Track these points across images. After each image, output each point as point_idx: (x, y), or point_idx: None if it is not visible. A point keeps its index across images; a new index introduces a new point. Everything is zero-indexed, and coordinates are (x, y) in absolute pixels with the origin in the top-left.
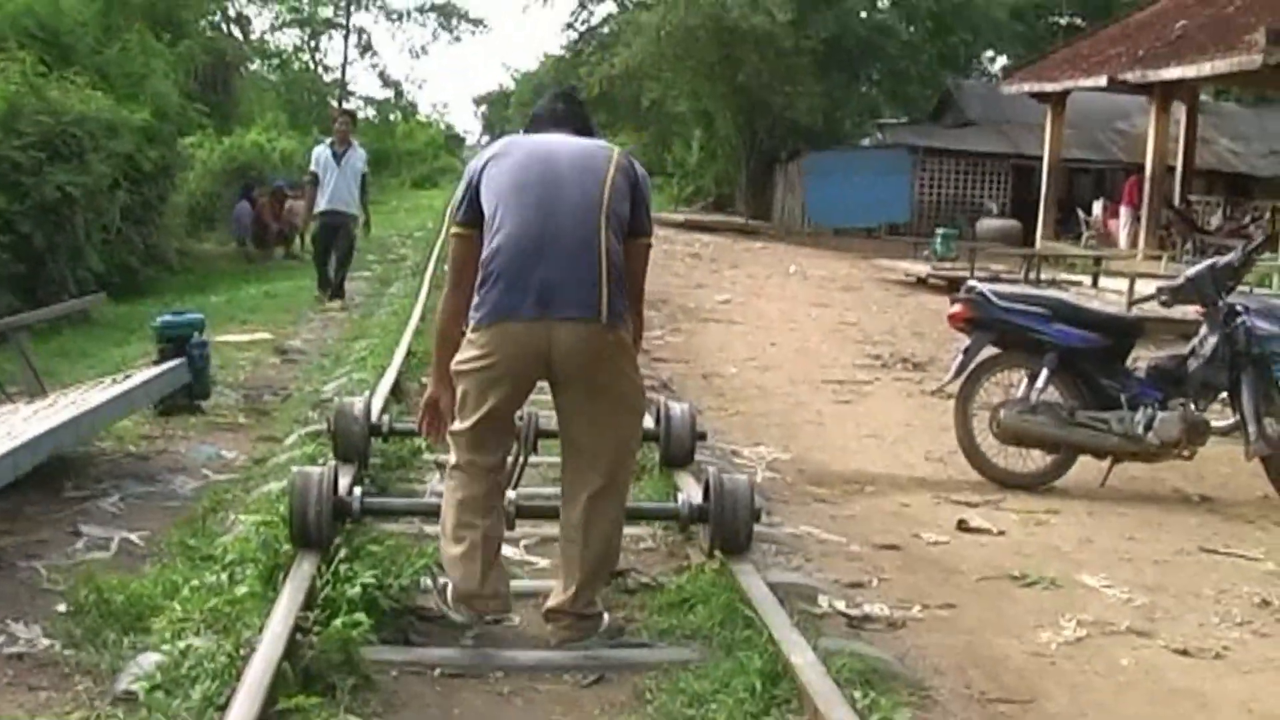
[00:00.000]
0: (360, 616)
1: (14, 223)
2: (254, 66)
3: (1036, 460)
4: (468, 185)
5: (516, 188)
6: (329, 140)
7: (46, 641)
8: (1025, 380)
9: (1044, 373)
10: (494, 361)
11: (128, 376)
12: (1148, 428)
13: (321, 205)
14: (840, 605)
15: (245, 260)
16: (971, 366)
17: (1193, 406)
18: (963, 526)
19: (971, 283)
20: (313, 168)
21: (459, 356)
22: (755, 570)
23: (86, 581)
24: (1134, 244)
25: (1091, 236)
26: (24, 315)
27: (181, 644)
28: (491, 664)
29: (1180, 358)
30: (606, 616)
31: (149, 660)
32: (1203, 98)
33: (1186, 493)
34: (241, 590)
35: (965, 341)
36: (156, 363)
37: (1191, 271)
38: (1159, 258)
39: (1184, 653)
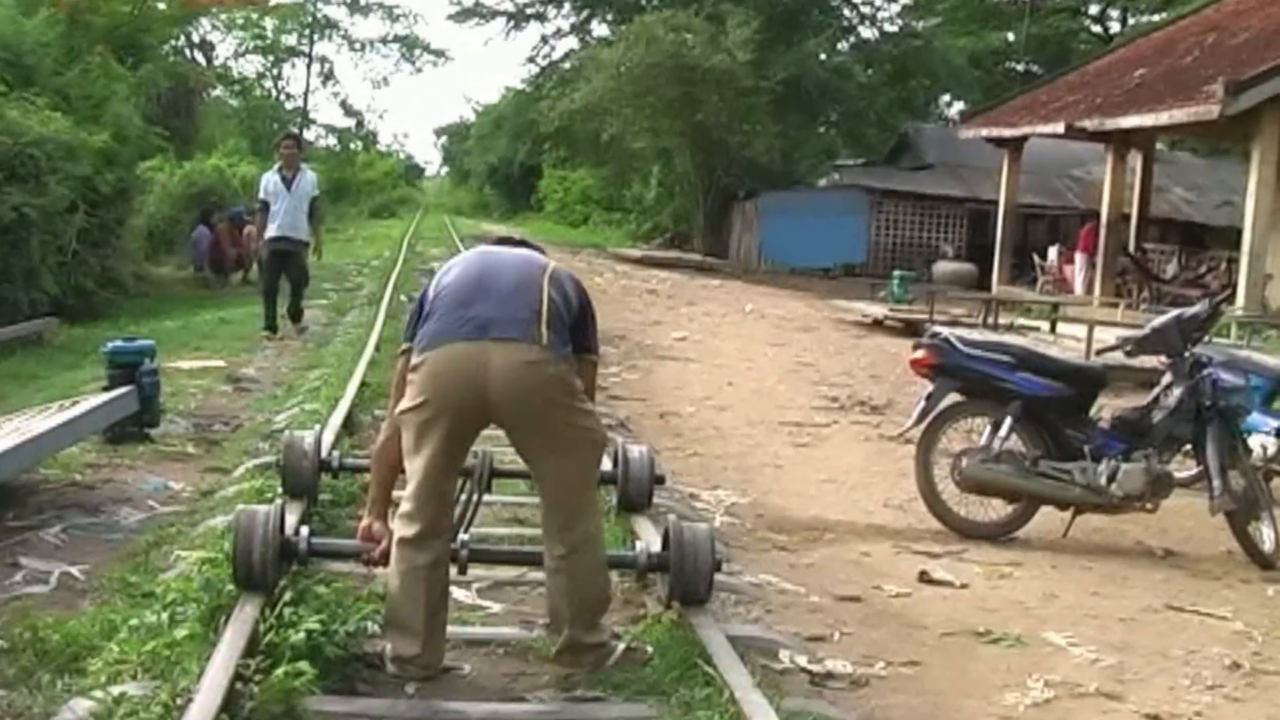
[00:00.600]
0: (304, 665)
1: None
2: (216, 92)
3: (998, 510)
4: (420, 303)
5: (460, 268)
6: (277, 165)
7: None
8: (988, 429)
9: (1007, 421)
10: (429, 396)
11: (75, 403)
12: (1111, 479)
13: (271, 232)
14: (802, 661)
15: (202, 286)
16: (934, 413)
17: (1157, 459)
18: (924, 578)
19: (936, 329)
20: (262, 195)
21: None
22: (714, 622)
23: (21, 619)
24: (1090, 290)
25: (1047, 282)
26: None
27: (116, 690)
28: (440, 717)
29: (1144, 409)
30: (620, 645)
31: (81, 707)
32: (1158, 147)
33: (1150, 546)
34: (181, 633)
35: (927, 387)
36: (106, 389)
37: (1158, 322)
38: (1115, 305)
39: (1155, 718)
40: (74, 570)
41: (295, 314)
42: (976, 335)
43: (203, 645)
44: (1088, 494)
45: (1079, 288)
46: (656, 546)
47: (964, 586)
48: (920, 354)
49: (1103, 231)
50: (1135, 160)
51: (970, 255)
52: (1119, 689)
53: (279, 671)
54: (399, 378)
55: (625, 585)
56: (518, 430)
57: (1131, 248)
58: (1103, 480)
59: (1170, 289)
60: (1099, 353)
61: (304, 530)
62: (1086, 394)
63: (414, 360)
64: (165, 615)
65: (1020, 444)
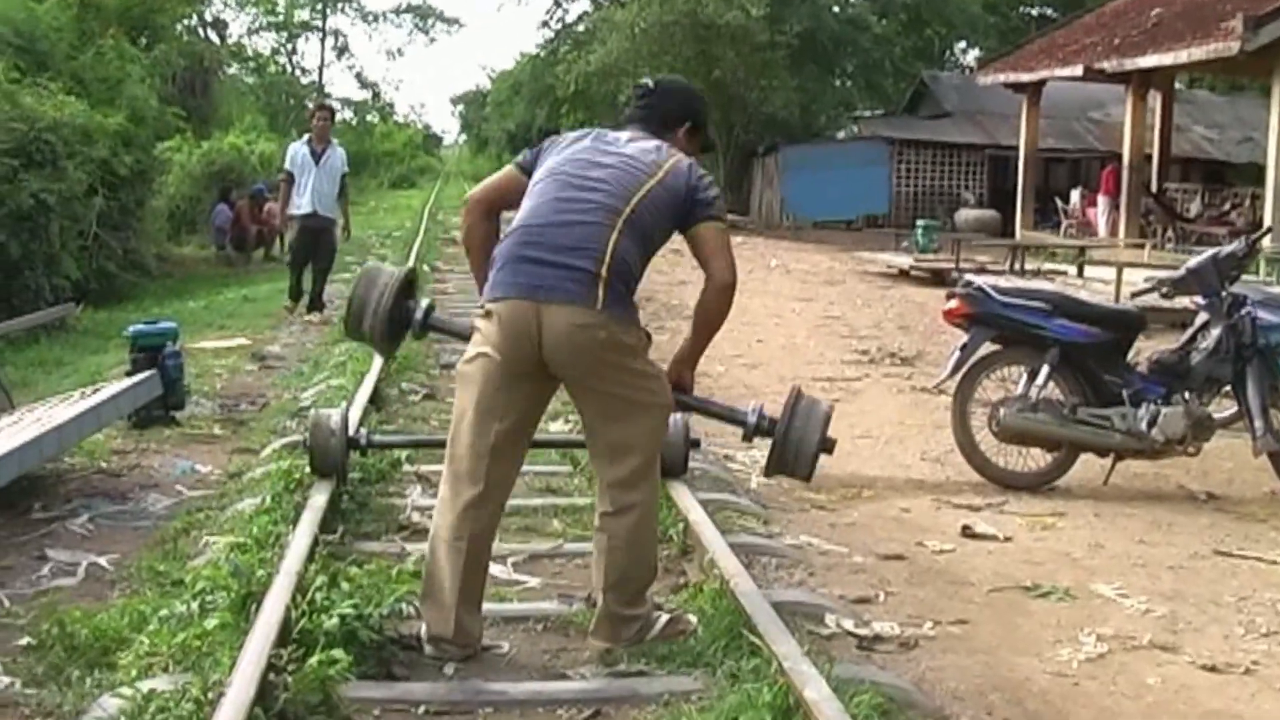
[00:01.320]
0: (338, 653)
1: None
2: (232, 70)
3: (1037, 459)
4: (537, 148)
5: (549, 177)
6: (306, 137)
7: (6, 679)
8: (1025, 377)
9: (1045, 369)
10: (488, 349)
11: (97, 390)
12: (1151, 424)
13: (300, 208)
14: (849, 625)
15: (225, 264)
16: (969, 364)
17: (1197, 401)
18: (967, 533)
19: (969, 277)
20: (288, 166)
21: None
22: (759, 590)
23: (49, 614)
24: (1113, 232)
25: (1070, 226)
26: None
27: (146, 686)
28: (480, 698)
29: (1182, 351)
30: (663, 617)
31: (111, 704)
32: (1177, 86)
33: (1193, 491)
34: (211, 623)
35: (961, 338)
36: (129, 373)
37: (1193, 262)
38: (1141, 246)
39: (1212, 669)
40: (102, 560)
41: (316, 299)
42: (1010, 283)
43: (234, 634)
44: (1128, 440)
45: (1103, 230)
46: None
47: (1008, 540)
48: (954, 304)
49: (1125, 173)
50: (1155, 100)
51: (992, 202)
52: (1173, 640)
53: (313, 660)
54: (498, 179)
55: (666, 554)
56: (573, 391)
57: (1154, 188)
58: (1143, 425)
59: (1195, 228)
60: (1134, 295)
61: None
62: (1124, 338)
63: (482, 314)
64: (195, 604)
65: (1058, 391)
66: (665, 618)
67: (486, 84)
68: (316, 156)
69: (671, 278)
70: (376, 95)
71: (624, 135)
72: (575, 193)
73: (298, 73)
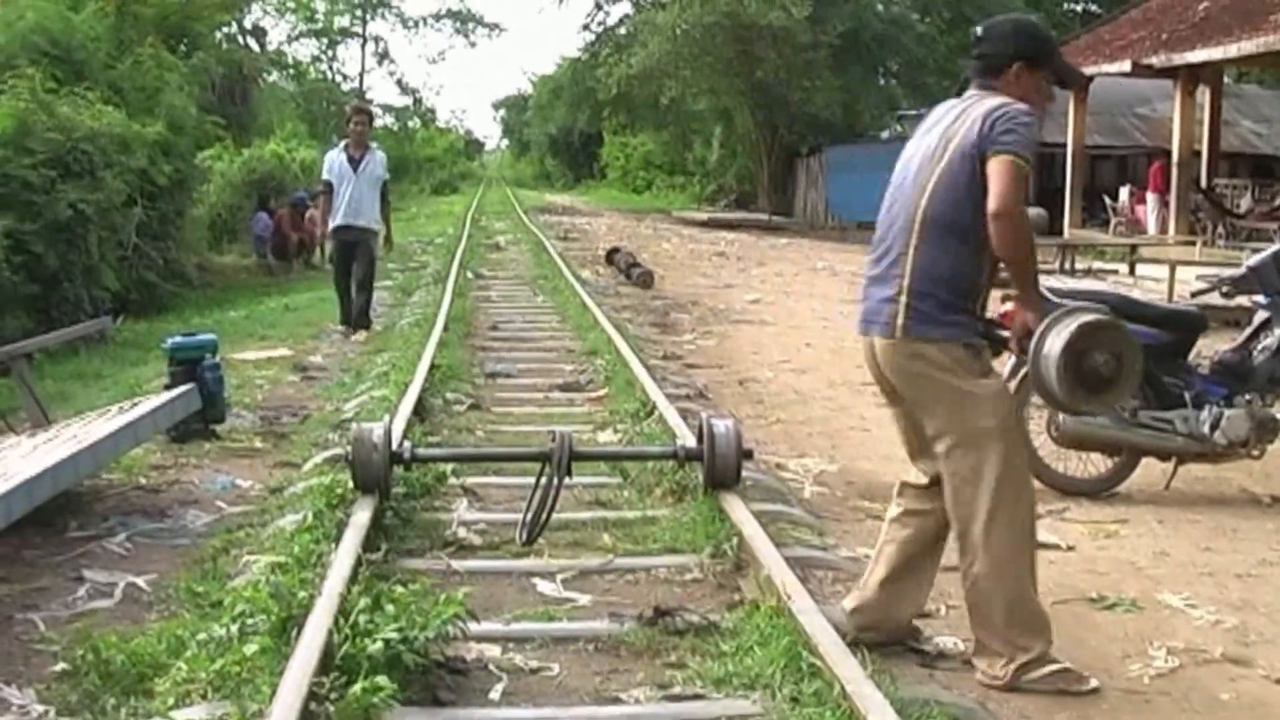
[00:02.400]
0: (382, 680)
1: (26, 243)
2: (271, 77)
3: (1097, 465)
4: None
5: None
6: (344, 144)
7: (41, 708)
8: None
9: None
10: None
11: (135, 404)
12: (1214, 426)
13: (337, 220)
14: (911, 641)
15: (266, 273)
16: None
17: (1260, 402)
18: None
19: None
20: (326, 175)
21: None
22: (818, 607)
23: (84, 640)
24: (1163, 229)
25: (1119, 223)
26: (25, 342)
27: (182, 716)
28: None
29: (1243, 351)
30: (1049, 667)
31: None
32: (1224, 80)
33: (1256, 494)
34: (251, 648)
35: None
36: (168, 387)
37: (1254, 260)
38: (1192, 243)
39: None
40: (139, 581)
41: (361, 316)
42: (1065, 283)
43: (275, 659)
44: (1190, 443)
45: (1152, 227)
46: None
47: (1070, 549)
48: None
49: (1174, 169)
50: (1203, 95)
51: (1039, 199)
52: (1245, 653)
53: (356, 688)
54: None
55: (719, 568)
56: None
57: (1204, 184)
58: (1205, 428)
59: (1246, 224)
60: (1194, 295)
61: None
62: (1184, 339)
63: None
64: (234, 628)
65: None
66: (1053, 668)
67: (528, 88)
68: (355, 163)
69: (716, 280)
70: (418, 101)
71: (949, 105)
72: (884, 212)
73: (338, 79)
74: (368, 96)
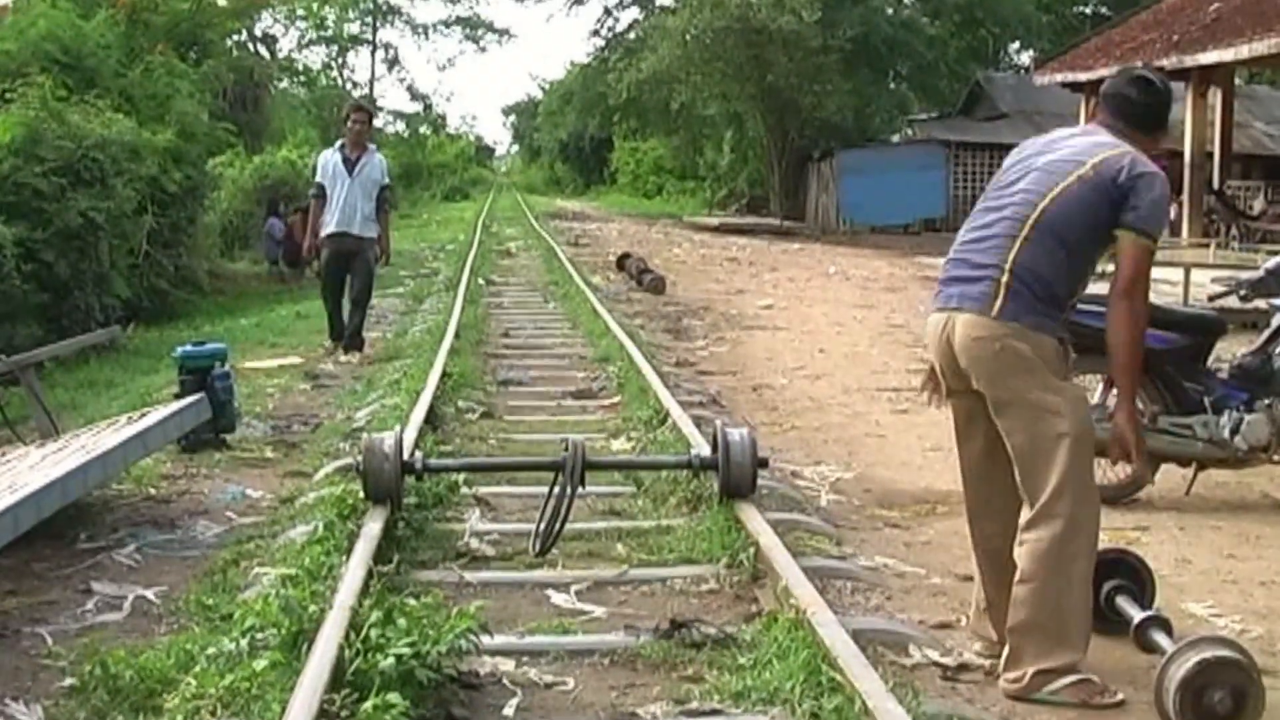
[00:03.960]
0: (394, 697)
1: (37, 251)
2: (282, 84)
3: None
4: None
5: (990, 187)
6: (340, 143)
7: None
8: (1102, 386)
9: None
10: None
11: (144, 414)
12: (1234, 431)
13: (327, 226)
14: (933, 655)
15: (278, 280)
16: None
17: None
18: None
19: None
20: (319, 178)
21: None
22: (836, 619)
23: (92, 655)
24: (1174, 232)
25: None
26: (34, 352)
27: None
28: None
29: (1262, 355)
30: (1072, 678)
31: None
32: (1236, 81)
33: (1278, 500)
34: (261, 664)
35: None
36: (178, 396)
37: (1272, 263)
38: (1205, 245)
39: None
40: (149, 594)
41: (354, 337)
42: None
43: (286, 674)
44: (1211, 449)
45: None
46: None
47: None
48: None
49: (1186, 171)
50: (1214, 97)
51: None
52: (1273, 663)
53: (367, 706)
54: None
55: (736, 579)
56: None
57: (1216, 186)
58: (1226, 433)
59: (1259, 225)
60: (1211, 299)
61: None
62: (1203, 343)
63: None
64: (244, 642)
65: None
66: (1074, 679)
67: (538, 94)
68: (350, 165)
69: (728, 286)
70: (428, 107)
71: (1081, 130)
72: (989, 214)
73: (349, 86)
74: (379, 103)
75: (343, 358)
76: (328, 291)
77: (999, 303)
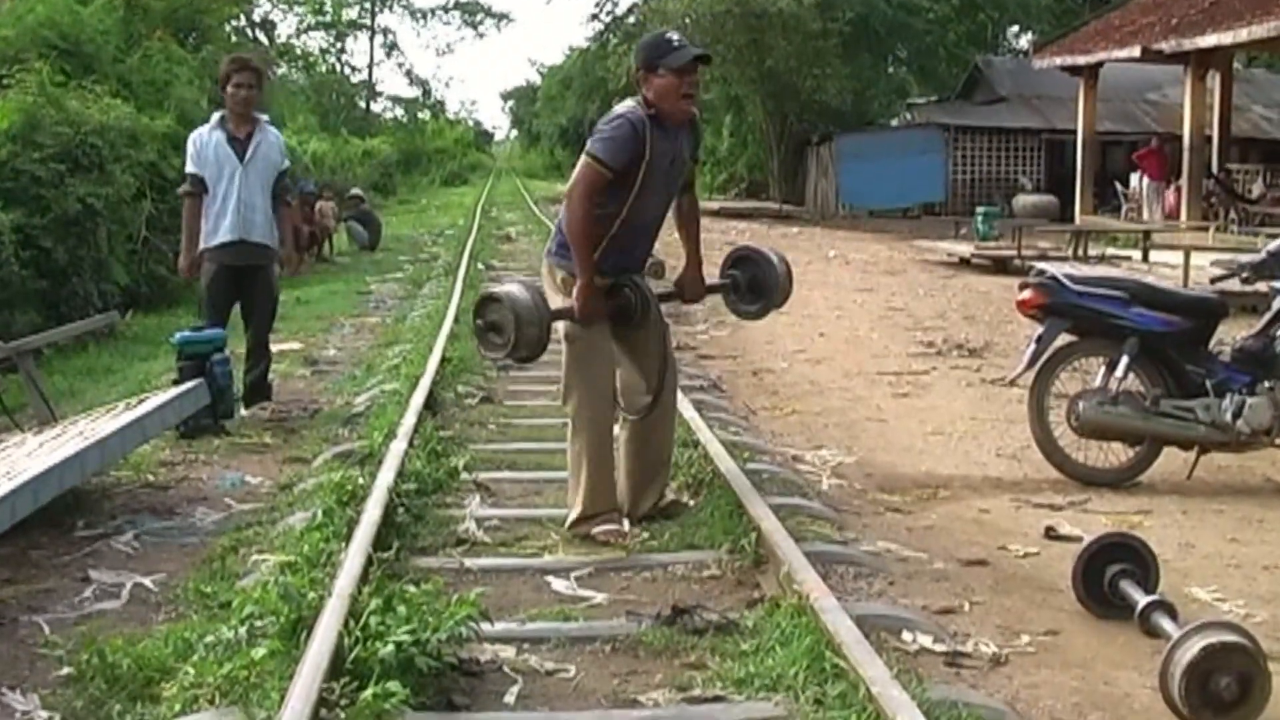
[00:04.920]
0: (394, 685)
1: (35, 238)
2: (281, 70)
3: (1118, 454)
4: None
5: None
6: (219, 117)
7: (45, 714)
8: (1103, 369)
9: (1124, 360)
10: None
11: (143, 400)
12: (1237, 415)
13: (219, 235)
14: (939, 647)
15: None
16: (1045, 356)
17: None
18: (1051, 534)
19: (1042, 266)
20: (193, 167)
21: None
22: (840, 605)
23: (89, 644)
24: (1171, 215)
25: (1130, 209)
26: (30, 338)
27: None
28: None
29: (1265, 337)
30: None
31: None
32: (1234, 65)
33: None
34: (260, 652)
35: (1036, 329)
36: (176, 382)
37: (1274, 245)
38: (1205, 228)
39: None
40: (147, 581)
41: (257, 385)
42: (1083, 270)
43: (284, 662)
44: (1213, 432)
45: (1146, 214)
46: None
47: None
48: (1027, 294)
49: (1185, 154)
50: (1213, 80)
51: (1049, 187)
52: (1278, 648)
53: (366, 694)
54: None
55: (738, 565)
56: None
57: (1215, 169)
58: (1228, 416)
59: (1258, 209)
60: (1213, 281)
61: None
62: (1205, 326)
63: None
64: (243, 630)
65: (1139, 383)
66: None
67: (537, 79)
68: (240, 147)
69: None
70: (427, 92)
71: None
72: None
73: (347, 71)
74: (377, 89)
75: (243, 412)
76: (212, 317)
77: None
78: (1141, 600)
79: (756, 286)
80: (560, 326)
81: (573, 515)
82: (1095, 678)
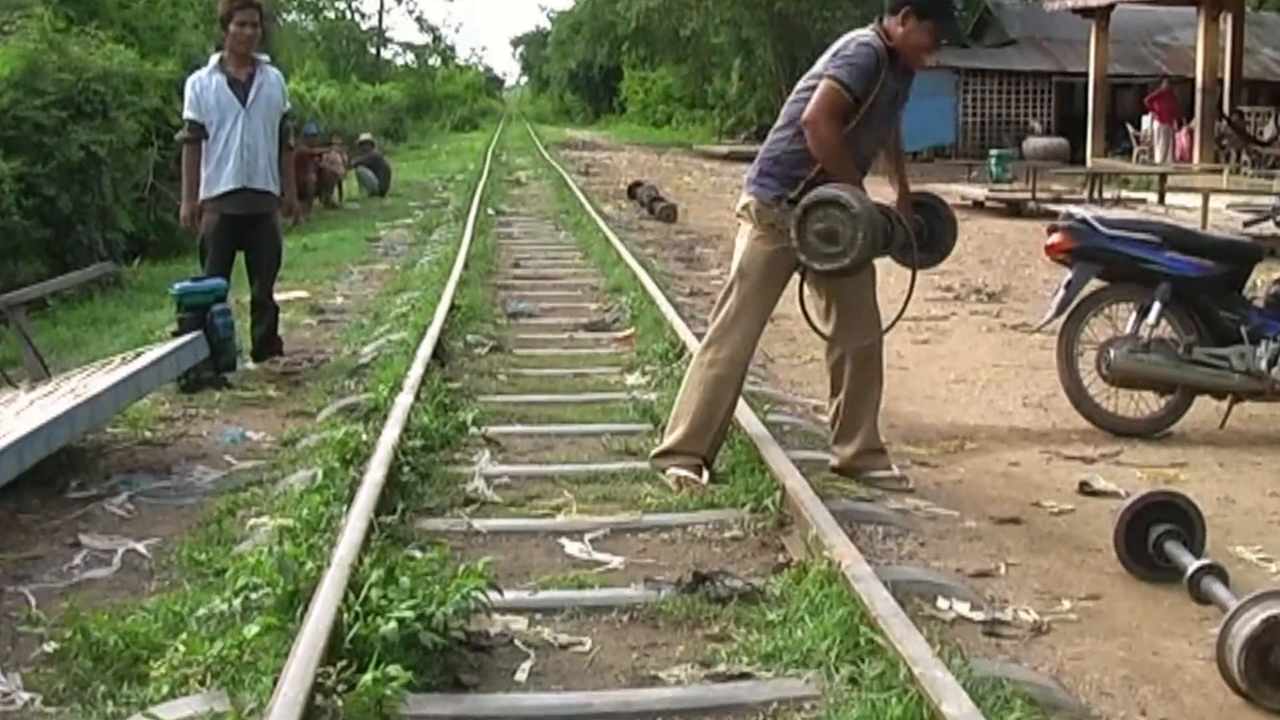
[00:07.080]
0: (395, 669)
1: (38, 186)
2: (290, 16)
3: (1150, 403)
4: None
5: None
6: (217, 59)
7: (26, 695)
8: (1134, 315)
9: (1156, 306)
10: None
11: (140, 354)
12: (1272, 363)
13: (221, 182)
14: (977, 615)
15: (285, 213)
16: (1075, 302)
17: None
18: (1085, 490)
19: (1070, 209)
20: (191, 113)
21: None
22: (873, 572)
23: (73, 620)
24: (1184, 158)
25: (1142, 151)
26: (22, 290)
27: (175, 713)
28: (560, 711)
29: None
30: None
31: None
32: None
33: None
34: (253, 629)
35: (1066, 274)
36: (176, 334)
37: None
38: (1218, 171)
39: None
40: (140, 547)
41: (267, 338)
42: (1109, 213)
43: (280, 638)
44: (1248, 380)
45: (1158, 155)
46: None
47: (1130, 496)
48: (1056, 238)
49: (1198, 96)
50: (1226, 22)
51: (1059, 130)
52: None
53: (366, 678)
54: None
55: (761, 525)
56: None
57: (1226, 111)
58: (1263, 364)
59: (1270, 151)
60: (1246, 224)
61: None
62: (1239, 271)
63: None
64: (237, 603)
65: (1171, 330)
66: None
67: (547, 24)
68: (242, 90)
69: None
70: (437, 39)
71: None
72: None
73: (357, 18)
74: (388, 35)
75: (251, 366)
76: (214, 270)
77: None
78: (1191, 564)
79: (933, 239)
80: (737, 260)
81: (662, 445)
82: (1143, 647)
